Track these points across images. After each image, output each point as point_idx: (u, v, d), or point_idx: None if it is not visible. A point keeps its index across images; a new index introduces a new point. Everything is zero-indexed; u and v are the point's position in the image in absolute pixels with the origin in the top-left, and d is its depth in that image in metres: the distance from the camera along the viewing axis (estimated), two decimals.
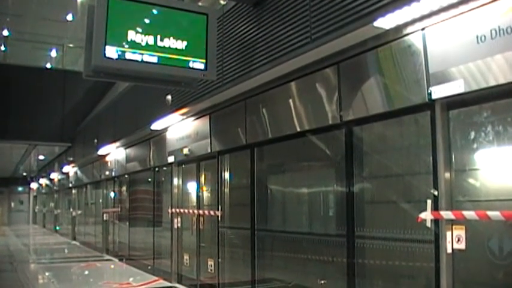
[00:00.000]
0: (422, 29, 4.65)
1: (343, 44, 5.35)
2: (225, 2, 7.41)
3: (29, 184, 42.03)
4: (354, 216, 5.55)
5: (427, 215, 4.53)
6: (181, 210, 10.32)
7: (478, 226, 4.24)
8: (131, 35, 5.57)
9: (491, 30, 4.03)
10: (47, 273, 13.17)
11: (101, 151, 15.67)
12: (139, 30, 5.62)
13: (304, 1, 5.57)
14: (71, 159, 21.28)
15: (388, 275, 5.16)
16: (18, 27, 20.47)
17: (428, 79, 4.56)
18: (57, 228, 28.65)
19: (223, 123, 8.50)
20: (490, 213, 4.05)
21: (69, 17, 19.43)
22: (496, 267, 4.12)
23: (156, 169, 12.14)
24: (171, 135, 10.63)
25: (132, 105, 12.36)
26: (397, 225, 5.06)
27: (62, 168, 23.77)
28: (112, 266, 14.63)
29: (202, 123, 9.15)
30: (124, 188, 15.32)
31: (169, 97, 9.35)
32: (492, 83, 4.04)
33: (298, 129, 6.45)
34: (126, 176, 14.78)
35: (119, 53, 5.50)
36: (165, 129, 10.78)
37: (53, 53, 23.69)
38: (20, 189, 45.69)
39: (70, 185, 24.00)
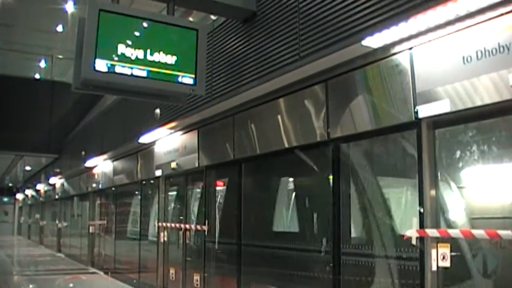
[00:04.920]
0: (410, 49, 4.70)
1: (331, 61, 5.40)
2: (215, 18, 7.46)
3: (15, 195, 41.68)
4: (340, 232, 5.57)
5: (412, 233, 4.55)
6: (168, 224, 10.29)
7: (463, 244, 4.27)
8: (121, 48, 5.57)
9: (477, 51, 4.09)
10: (30, 286, 13.06)
11: (88, 163, 15.61)
12: (130, 44, 5.63)
13: (294, 19, 5.62)
14: (58, 170, 21.18)
15: None
16: (8, 37, 20.39)
17: (415, 98, 4.61)
18: None
19: (212, 138, 8.51)
20: (474, 231, 4.09)
21: (59, 28, 19.38)
22: (481, 285, 4.15)
23: (143, 182, 12.10)
24: (159, 149, 10.62)
25: (120, 118, 12.35)
26: (383, 242, 5.08)
27: (48, 179, 23.63)
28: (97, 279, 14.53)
29: (191, 137, 9.16)
30: (110, 201, 15.24)
31: (157, 111, 9.35)
32: (478, 103, 4.10)
33: (286, 146, 6.47)
34: (113, 188, 14.71)
35: (109, 66, 5.49)
36: (153, 143, 10.77)
37: (42, 64, 23.62)
38: (5, 199, 45.23)
39: (56, 197, 23.81)
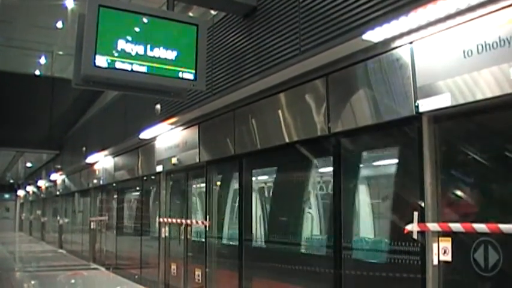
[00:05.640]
0: (411, 43, 4.69)
1: (332, 56, 5.39)
2: (215, 13, 7.44)
3: (16, 191, 41.72)
4: (341, 227, 5.56)
5: (413, 227, 4.56)
6: (169, 220, 10.30)
7: (464, 238, 4.27)
8: (121, 44, 5.57)
9: (477, 45, 4.08)
10: (32, 282, 13.09)
11: (89, 159, 15.62)
12: (130, 39, 5.62)
13: (294, 13, 5.61)
14: (59, 166, 21.18)
15: (374, 286, 5.17)
16: (8, 34, 20.38)
17: (416, 92, 4.61)
18: None
19: (212, 134, 8.50)
20: (475, 225, 4.09)
21: (59, 25, 19.37)
22: (482, 279, 4.15)
23: (144, 178, 12.11)
24: (160, 145, 10.62)
25: (121, 114, 12.34)
26: (384, 236, 5.08)
27: (49, 175, 23.64)
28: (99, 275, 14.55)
29: (191, 133, 9.16)
30: (112, 197, 15.26)
31: (158, 106, 9.35)
32: (479, 97, 4.09)
33: (287, 140, 6.47)
34: (114, 184, 14.73)
35: (109, 62, 5.49)
36: (154, 139, 10.77)
37: (42, 60, 23.62)
38: (6, 196, 45.31)
39: (57, 193, 23.84)
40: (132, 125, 11.11)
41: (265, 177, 7.82)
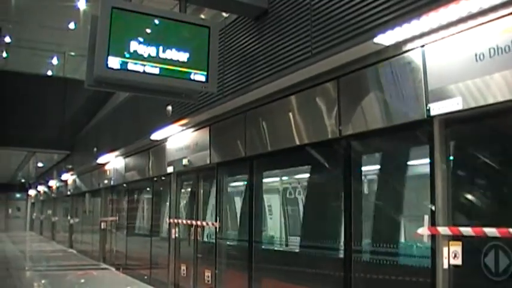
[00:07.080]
0: (422, 46, 4.69)
1: (343, 59, 5.40)
2: (226, 15, 7.47)
3: (27, 191, 41.95)
4: (352, 230, 5.56)
5: (424, 231, 4.55)
6: (179, 221, 10.32)
7: (475, 242, 4.26)
8: (134, 46, 5.61)
9: (489, 49, 4.07)
10: (43, 281, 13.16)
11: (100, 160, 15.70)
12: (142, 41, 5.66)
13: (306, 16, 5.62)
14: (70, 167, 21.29)
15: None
16: (20, 34, 20.53)
17: (427, 96, 4.60)
18: None
19: (223, 135, 8.53)
20: (486, 229, 4.08)
21: (71, 26, 19.48)
22: (492, 284, 4.13)
23: (155, 179, 12.15)
24: (171, 146, 10.65)
25: (132, 115, 12.40)
26: (394, 239, 5.08)
27: (60, 175, 23.77)
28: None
29: (202, 134, 9.19)
30: (122, 197, 15.32)
31: (169, 107, 9.38)
32: (490, 100, 4.08)
33: (298, 143, 6.48)
34: (125, 185, 14.79)
35: (121, 63, 5.53)
36: (165, 140, 10.81)
37: (54, 61, 23.75)
38: (17, 195, 45.65)
39: (68, 193, 23.97)
40: (144, 126, 11.16)
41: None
